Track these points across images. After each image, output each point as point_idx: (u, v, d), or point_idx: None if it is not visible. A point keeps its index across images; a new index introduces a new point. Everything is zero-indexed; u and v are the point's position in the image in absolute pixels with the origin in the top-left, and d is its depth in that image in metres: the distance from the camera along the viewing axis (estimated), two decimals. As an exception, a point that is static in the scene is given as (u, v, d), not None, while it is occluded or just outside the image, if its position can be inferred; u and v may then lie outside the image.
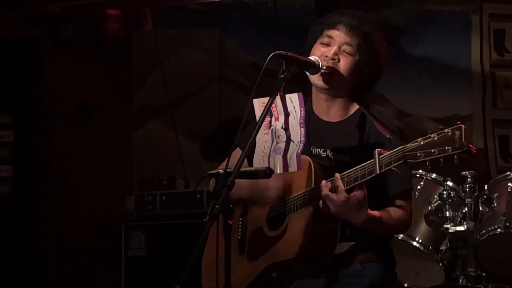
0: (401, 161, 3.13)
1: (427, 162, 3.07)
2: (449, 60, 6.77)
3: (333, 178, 3.27)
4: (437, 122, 6.72)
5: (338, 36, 3.46)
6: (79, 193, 6.85)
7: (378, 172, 3.17)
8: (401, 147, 3.14)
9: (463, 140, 2.99)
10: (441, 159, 3.04)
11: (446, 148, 3.02)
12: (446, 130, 3.04)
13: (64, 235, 6.78)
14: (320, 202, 3.28)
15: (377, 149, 3.19)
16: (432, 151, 3.05)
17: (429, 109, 6.78)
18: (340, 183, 3.24)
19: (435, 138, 3.06)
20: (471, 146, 3.01)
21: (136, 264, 6.33)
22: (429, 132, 3.10)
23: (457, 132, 3.01)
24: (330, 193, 3.24)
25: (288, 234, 3.38)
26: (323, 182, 3.28)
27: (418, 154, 3.08)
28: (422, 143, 3.09)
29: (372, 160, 3.19)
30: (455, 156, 3.01)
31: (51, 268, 6.74)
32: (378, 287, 3.43)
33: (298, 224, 3.35)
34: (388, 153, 3.17)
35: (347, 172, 3.26)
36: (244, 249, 3.54)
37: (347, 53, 3.45)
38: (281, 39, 6.80)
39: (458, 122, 3.04)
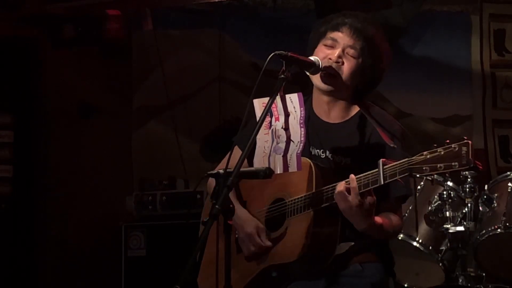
0: (406, 174, 3.12)
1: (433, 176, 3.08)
2: (449, 60, 6.77)
3: (348, 179, 3.25)
4: (437, 122, 6.73)
5: (342, 38, 3.45)
6: (79, 193, 6.85)
7: (382, 183, 3.17)
8: (406, 159, 3.13)
9: (470, 156, 2.98)
10: (447, 174, 3.04)
11: (453, 164, 3.01)
12: (453, 146, 3.02)
13: (64, 235, 6.78)
14: (324, 206, 3.28)
15: (381, 160, 3.18)
16: (438, 166, 3.04)
17: (429, 109, 6.78)
18: (355, 184, 3.22)
19: (442, 153, 3.04)
20: (477, 162, 3.00)
21: (136, 264, 6.33)
22: (435, 145, 3.08)
23: (464, 148, 3.00)
24: (346, 192, 3.24)
25: (288, 237, 3.38)
26: (341, 182, 3.27)
27: (424, 168, 3.07)
28: (428, 156, 3.07)
29: (376, 170, 3.18)
30: (461, 171, 3.00)
31: (51, 268, 6.74)
32: (378, 287, 3.43)
33: (299, 227, 3.34)
34: (392, 164, 3.16)
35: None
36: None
37: (350, 56, 3.44)
38: (281, 39, 6.80)
39: (465, 138, 3.02)
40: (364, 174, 3.22)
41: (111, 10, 6.72)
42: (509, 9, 6.72)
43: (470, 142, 3.00)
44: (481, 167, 3.01)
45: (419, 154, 3.10)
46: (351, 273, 3.41)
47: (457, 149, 3.01)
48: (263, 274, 3.43)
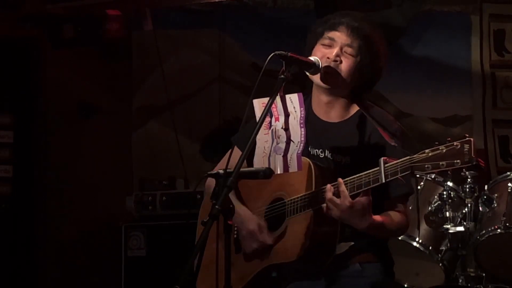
0: (408, 172, 3.12)
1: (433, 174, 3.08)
2: (449, 60, 6.77)
3: (336, 183, 3.26)
4: (437, 122, 6.73)
5: (339, 37, 3.47)
6: (79, 193, 6.84)
7: (383, 181, 3.17)
8: (408, 157, 3.13)
9: (472, 154, 2.98)
10: (449, 172, 3.04)
11: (455, 161, 3.01)
12: (455, 143, 3.03)
13: (63, 235, 6.78)
14: (324, 205, 3.28)
15: (382, 158, 3.18)
16: (441, 163, 3.04)
17: (429, 109, 6.78)
18: (344, 188, 3.23)
19: (444, 151, 3.04)
20: (480, 160, 2.99)
21: (136, 264, 6.32)
22: (437, 143, 3.08)
23: (466, 146, 3.00)
24: (334, 197, 3.24)
25: (288, 237, 3.38)
26: (328, 186, 3.27)
27: (426, 166, 3.07)
28: (430, 154, 3.07)
29: (377, 168, 3.18)
30: (463, 169, 3.00)
31: (51, 268, 6.74)
32: (377, 287, 3.43)
33: (298, 227, 3.34)
34: (394, 162, 3.16)
35: (350, 178, 3.26)
36: (240, 248, 3.53)
37: (348, 54, 3.46)
38: (281, 39, 6.80)
39: (467, 135, 3.03)
40: (365, 172, 3.22)
41: (111, 10, 6.71)
42: (509, 9, 6.72)
43: (472, 139, 3.01)
44: (483, 165, 3.00)
45: (420, 152, 3.10)
46: (351, 273, 3.42)
47: (459, 146, 3.01)
48: (263, 274, 3.43)
